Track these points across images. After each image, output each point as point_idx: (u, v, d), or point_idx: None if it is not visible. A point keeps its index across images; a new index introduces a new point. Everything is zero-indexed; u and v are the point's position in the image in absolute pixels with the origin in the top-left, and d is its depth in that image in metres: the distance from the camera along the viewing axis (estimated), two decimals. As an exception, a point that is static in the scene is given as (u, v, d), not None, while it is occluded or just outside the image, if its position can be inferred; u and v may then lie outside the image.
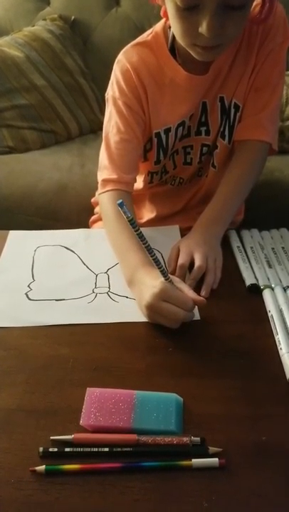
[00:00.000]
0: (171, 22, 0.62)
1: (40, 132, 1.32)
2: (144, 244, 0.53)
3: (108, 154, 0.74)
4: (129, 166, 0.73)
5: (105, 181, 0.73)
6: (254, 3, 0.63)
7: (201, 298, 0.56)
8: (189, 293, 0.56)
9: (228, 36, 0.60)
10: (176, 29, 0.62)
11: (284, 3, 0.70)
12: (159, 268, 0.55)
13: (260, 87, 0.72)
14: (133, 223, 0.51)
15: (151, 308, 0.56)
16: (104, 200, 0.73)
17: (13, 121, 1.29)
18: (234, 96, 0.73)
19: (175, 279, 0.58)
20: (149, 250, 0.53)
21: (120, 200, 0.50)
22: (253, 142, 0.74)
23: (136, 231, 0.52)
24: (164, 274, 0.55)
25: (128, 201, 0.73)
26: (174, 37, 0.68)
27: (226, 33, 0.58)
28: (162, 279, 0.55)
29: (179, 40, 0.64)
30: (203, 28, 0.57)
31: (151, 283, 0.57)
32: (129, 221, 0.51)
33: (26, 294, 0.64)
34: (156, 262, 0.54)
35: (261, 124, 0.73)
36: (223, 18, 0.56)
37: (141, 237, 0.53)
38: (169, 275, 0.56)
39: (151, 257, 0.54)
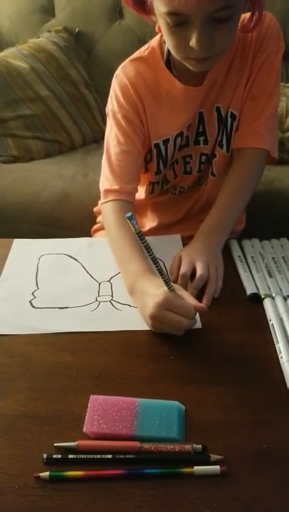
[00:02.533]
0: (164, 38, 0.65)
1: (44, 142, 1.34)
2: (150, 255, 0.54)
3: (109, 165, 0.75)
4: (129, 176, 0.75)
5: (107, 191, 0.75)
6: (244, 14, 0.65)
7: (202, 304, 0.58)
8: (190, 300, 0.57)
9: (219, 47, 0.62)
10: (169, 44, 0.64)
11: (279, 11, 0.72)
12: (163, 278, 0.56)
13: (256, 96, 0.73)
14: (140, 235, 0.52)
15: (155, 318, 0.57)
16: (107, 210, 0.74)
17: (18, 131, 1.31)
18: (230, 105, 0.75)
19: (176, 286, 0.59)
20: (155, 261, 0.55)
21: (130, 214, 0.51)
22: (250, 150, 0.75)
23: (143, 243, 0.53)
24: (167, 283, 0.56)
25: (129, 211, 0.74)
26: (169, 50, 0.70)
27: (216, 44, 0.61)
28: (165, 288, 0.56)
29: (174, 54, 0.66)
30: (193, 42, 0.59)
31: (154, 292, 0.57)
32: (136, 233, 0.52)
33: (30, 301, 0.65)
34: (161, 271, 0.55)
35: (258, 132, 0.74)
36: (211, 31, 0.59)
37: (147, 248, 0.54)
38: (172, 284, 0.57)
39: (156, 267, 0.55)
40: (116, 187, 0.74)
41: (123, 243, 0.67)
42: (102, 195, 0.76)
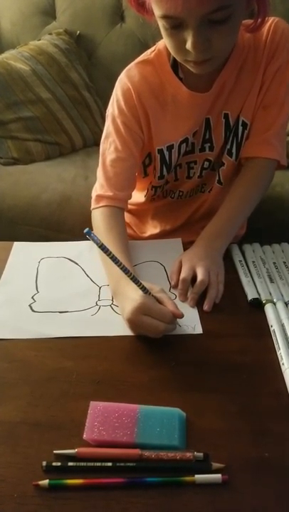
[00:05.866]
0: (164, 40, 0.63)
1: (45, 144, 1.33)
2: (119, 265, 0.56)
3: (104, 172, 0.75)
4: (124, 183, 0.75)
5: (100, 197, 0.75)
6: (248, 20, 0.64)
7: (180, 312, 0.57)
8: (169, 304, 0.57)
9: (218, 49, 0.60)
10: (168, 46, 0.63)
11: (280, 14, 0.71)
12: (138, 285, 0.57)
13: (268, 105, 0.72)
14: (104, 248, 0.54)
15: (132, 322, 0.58)
16: (97, 215, 0.74)
17: (19, 133, 1.31)
18: (241, 113, 0.73)
19: (155, 288, 0.59)
20: (125, 271, 0.56)
21: (87, 229, 0.52)
22: (260, 160, 0.75)
23: (108, 255, 0.55)
24: (143, 290, 0.57)
25: (120, 217, 0.75)
26: None
27: (214, 46, 0.59)
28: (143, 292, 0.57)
29: (174, 56, 0.65)
30: (188, 45, 0.58)
31: (133, 296, 0.58)
32: (99, 246, 0.54)
33: (30, 305, 0.65)
34: (134, 280, 0.57)
35: (269, 142, 0.73)
36: (208, 33, 0.57)
37: (114, 260, 0.56)
38: (149, 287, 0.58)
39: (128, 276, 0.56)
40: (109, 193, 0.74)
41: (109, 246, 0.67)
42: (93, 200, 0.76)
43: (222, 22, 0.56)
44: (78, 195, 1.18)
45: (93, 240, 0.53)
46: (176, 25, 0.58)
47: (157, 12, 0.58)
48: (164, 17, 0.57)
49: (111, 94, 0.75)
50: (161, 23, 0.60)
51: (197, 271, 0.65)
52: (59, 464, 0.44)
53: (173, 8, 0.54)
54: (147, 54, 0.73)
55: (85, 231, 0.52)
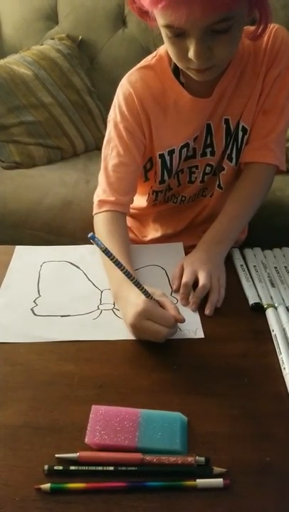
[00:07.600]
0: (166, 47, 0.64)
1: (47, 148, 1.34)
2: (122, 270, 0.56)
3: (106, 177, 0.75)
4: (126, 188, 0.75)
5: (102, 202, 0.75)
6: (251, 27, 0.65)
7: (182, 316, 0.57)
8: (171, 309, 0.58)
9: (219, 57, 0.61)
10: (171, 54, 0.64)
11: (281, 20, 0.72)
12: (141, 289, 0.57)
13: (268, 110, 0.73)
14: (107, 252, 0.54)
15: (134, 327, 0.58)
16: (100, 220, 0.75)
17: (21, 137, 1.31)
18: (241, 119, 0.74)
19: (157, 292, 0.59)
20: (128, 275, 0.56)
21: (91, 234, 0.53)
22: (260, 165, 0.75)
23: (112, 259, 0.55)
24: (145, 294, 0.57)
25: (123, 222, 0.75)
26: None
27: (216, 55, 0.60)
28: (144, 297, 0.57)
29: (176, 63, 0.66)
30: (191, 54, 0.59)
31: (135, 300, 0.58)
32: (103, 251, 0.54)
33: (32, 309, 0.65)
34: (137, 284, 0.57)
35: (269, 148, 0.74)
36: (210, 42, 0.58)
37: (118, 264, 0.55)
38: (150, 291, 0.58)
39: (131, 280, 0.56)
40: (112, 198, 0.74)
41: (111, 251, 0.67)
42: (95, 205, 0.76)
43: (224, 31, 0.58)
44: (80, 200, 1.19)
45: (97, 244, 0.53)
46: (178, 34, 0.59)
47: (160, 21, 0.59)
48: (167, 26, 0.58)
49: (113, 99, 0.76)
50: (163, 31, 0.61)
51: (199, 275, 0.66)
52: (61, 467, 0.44)
53: (177, 20, 0.55)
54: (148, 59, 0.73)
55: (89, 236, 0.52)
